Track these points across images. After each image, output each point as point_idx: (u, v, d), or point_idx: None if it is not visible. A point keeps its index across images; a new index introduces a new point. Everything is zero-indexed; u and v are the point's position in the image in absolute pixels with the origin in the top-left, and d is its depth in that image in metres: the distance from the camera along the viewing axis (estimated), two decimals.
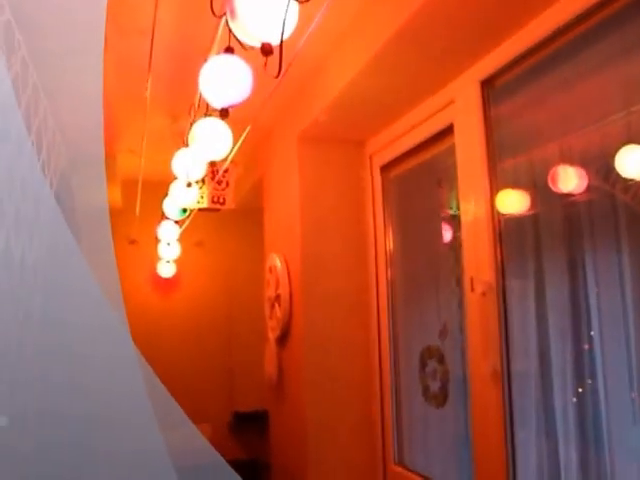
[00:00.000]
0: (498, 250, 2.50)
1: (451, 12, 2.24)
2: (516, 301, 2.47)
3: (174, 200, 3.97)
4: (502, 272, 2.48)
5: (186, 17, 2.74)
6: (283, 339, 3.84)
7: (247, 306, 5.72)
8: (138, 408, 1.50)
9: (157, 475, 1.52)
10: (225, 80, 2.03)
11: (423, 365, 3.16)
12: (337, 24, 2.78)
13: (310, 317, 3.51)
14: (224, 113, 2.05)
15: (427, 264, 3.36)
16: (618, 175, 2.08)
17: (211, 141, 2.63)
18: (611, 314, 2.15)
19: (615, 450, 2.09)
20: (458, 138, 2.76)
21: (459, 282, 2.83)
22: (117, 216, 5.20)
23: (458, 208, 2.77)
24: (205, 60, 2.10)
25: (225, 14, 1.69)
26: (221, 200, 4.19)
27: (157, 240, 5.35)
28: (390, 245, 3.54)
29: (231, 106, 2.05)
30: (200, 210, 4.30)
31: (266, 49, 1.61)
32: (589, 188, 2.25)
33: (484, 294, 2.50)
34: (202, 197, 4.10)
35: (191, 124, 2.73)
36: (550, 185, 2.37)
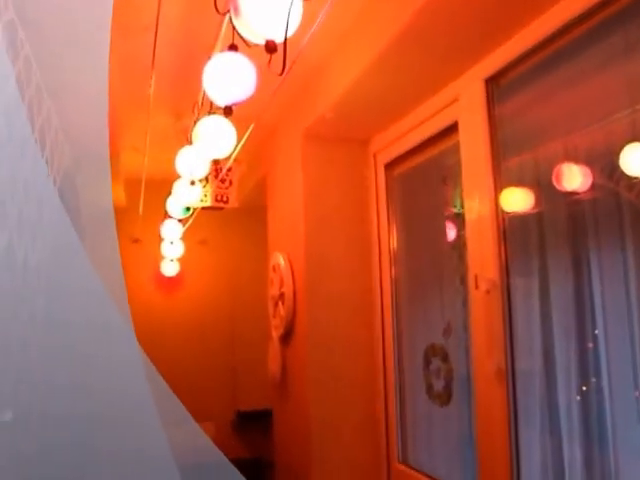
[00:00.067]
0: (502, 248, 2.49)
1: (455, 10, 2.23)
2: (520, 299, 2.47)
3: (177, 199, 3.97)
4: (506, 270, 2.48)
5: (190, 14, 2.74)
6: (287, 337, 3.84)
7: (251, 305, 5.72)
8: (142, 407, 1.50)
9: (160, 474, 1.52)
10: (229, 78, 2.03)
11: (427, 363, 3.16)
12: (341, 22, 2.78)
13: (314, 315, 3.51)
14: (228, 111, 2.05)
15: (431, 262, 3.35)
16: (623, 173, 2.08)
17: (215, 139, 2.63)
18: (616, 312, 2.14)
19: (619, 449, 2.08)
20: (462, 136, 2.76)
21: (463, 280, 2.83)
22: (120, 215, 5.19)
23: (462, 206, 2.77)
24: (209, 58, 2.10)
25: (229, 11, 1.69)
26: (224, 199, 4.19)
27: (160, 239, 5.35)
28: (394, 243, 3.53)
29: (235, 104, 2.05)
30: (203, 209, 4.30)
31: (270, 47, 1.61)
32: (593, 186, 2.24)
33: (488, 292, 2.49)
34: (205, 195, 4.10)
35: (195, 122, 2.73)
36: (554, 183, 2.36)
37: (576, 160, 2.30)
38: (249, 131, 2.99)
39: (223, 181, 4.15)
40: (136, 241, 5.78)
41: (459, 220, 2.91)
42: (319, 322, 3.50)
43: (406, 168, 3.46)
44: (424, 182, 3.42)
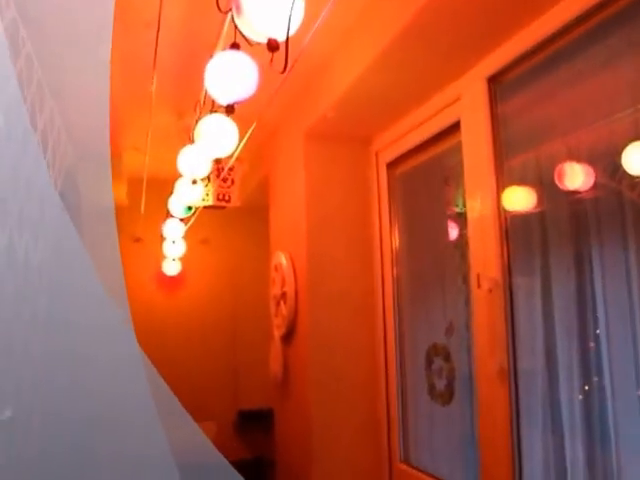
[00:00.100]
0: (505, 247, 2.49)
1: (458, 8, 2.23)
2: (523, 298, 2.46)
3: (179, 198, 3.96)
4: (509, 269, 2.47)
5: (191, 13, 2.74)
6: (289, 337, 3.83)
7: (252, 304, 5.71)
8: (142, 409, 1.49)
9: (160, 474, 1.52)
10: (231, 76, 2.03)
11: (429, 363, 3.15)
12: (343, 21, 2.77)
13: (316, 315, 3.51)
14: (230, 109, 2.05)
15: (433, 261, 3.35)
16: (625, 172, 2.08)
17: (217, 138, 2.62)
18: (618, 311, 2.14)
19: (622, 448, 2.08)
20: (465, 135, 2.75)
21: (465, 280, 2.83)
22: (122, 214, 5.24)
23: (464, 205, 2.76)
24: (211, 56, 2.10)
25: (231, 10, 1.69)
26: (226, 198, 4.18)
27: (162, 238, 5.35)
28: (396, 242, 3.53)
29: (237, 102, 2.04)
30: (205, 208, 4.30)
31: (272, 45, 1.61)
32: (596, 185, 2.24)
33: (491, 291, 2.49)
34: (207, 195, 4.10)
35: (196, 121, 2.72)
36: (557, 182, 2.36)
37: (578, 159, 2.29)
38: (251, 130, 2.99)
39: (225, 180, 4.14)
40: (138, 240, 5.78)
41: (461, 219, 2.91)
42: (321, 321, 3.50)
43: (408, 167, 3.46)
44: (426, 181, 3.42)
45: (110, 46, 1.59)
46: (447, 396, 3.00)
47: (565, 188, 2.34)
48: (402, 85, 2.91)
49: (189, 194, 3.76)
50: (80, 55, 1.69)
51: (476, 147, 2.65)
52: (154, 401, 1.48)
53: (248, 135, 3.00)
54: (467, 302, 2.80)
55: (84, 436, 1.44)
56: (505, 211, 2.52)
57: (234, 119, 2.58)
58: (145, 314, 5.47)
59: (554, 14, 2.19)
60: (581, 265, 2.29)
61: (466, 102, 2.75)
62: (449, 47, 2.53)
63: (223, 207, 4.26)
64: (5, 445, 1.21)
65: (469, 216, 2.70)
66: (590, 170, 2.25)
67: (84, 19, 1.58)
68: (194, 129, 2.74)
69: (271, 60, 1.64)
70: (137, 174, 4.49)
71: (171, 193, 4.12)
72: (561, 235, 2.40)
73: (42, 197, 1.39)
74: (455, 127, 2.84)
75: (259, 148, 4.50)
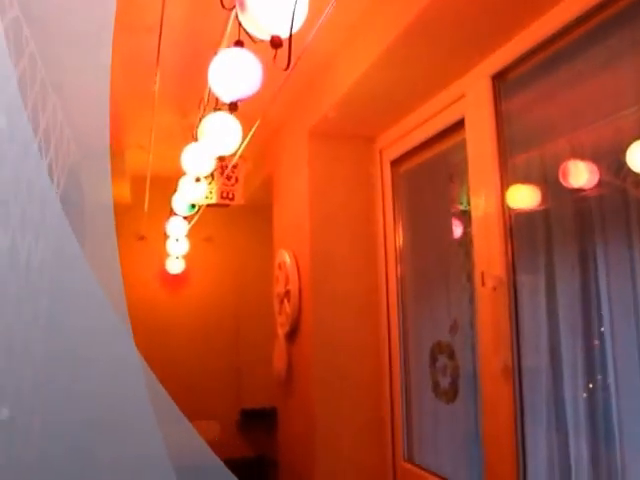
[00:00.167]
0: (509, 245, 2.48)
1: (462, 6, 2.22)
2: (527, 296, 2.46)
3: (183, 196, 3.97)
4: (513, 267, 2.47)
5: (195, 10, 2.74)
6: (292, 335, 3.83)
7: (256, 303, 5.70)
8: (139, 411, 1.50)
9: (157, 478, 1.52)
10: (235, 74, 2.02)
11: (433, 361, 3.15)
12: (347, 18, 2.77)
13: (319, 313, 3.50)
14: (233, 107, 2.04)
15: (437, 259, 3.34)
16: (630, 170, 2.07)
17: (220, 136, 2.62)
18: (622, 309, 2.13)
19: (626, 445, 2.07)
20: (469, 133, 2.75)
21: (470, 277, 2.82)
22: (126, 212, 5.26)
23: (469, 203, 2.76)
24: (215, 54, 2.09)
25: (235, 7, 1.69)
26: (230, 196, 4.19)
27: (166, 236, 5.35)
28: (400, 240, 3.53)
29: (240, 100, 2.04)
30: (209, 206, 4.30)
31: (275, 42, 1.60)
32: (600, 183, 2.23)
33: (495, 289, 2.48)
34: (211, 193, 4.10)
35: (200, 119, 2.72)
36: (561, 180, 2.35)
37: (583, 157, 2.29)
38: (254, 128, 2.98)
39: (229, 178, 4.15)
40: (142, 238, 5.78)
41: (465, 217, 2.90)
42: (325, 320, 3.50)
43: (412, 165, 3.45)
44: (430, 179, 3.42)
45: (110, 46, 1.59)
46: (451, 394, 2.99)
47: (569, 186, 2.33)
48: (406, 82, 2.90)
49: (192, 192, 3.75)
50: (80, 54, 1.69)
51: (480, 145, 2.65)
52: (151, 404, 1.48)
53: (252, 133, 3.00)
54: (471, 300, 2.80)
55: (82, 437, 1.44)
56: (509, 209, 2.52)
57: (238, 117, 2.58)
58: (149, 312, 5.47)
59: (558, 12, 2.18)
60: (585, 263, 2.28)
61: (470, 100, 2.74)
62: (453, 45, 2.52)
63: (227, 205, 4.26)
64: (4, 445, 1.21)
65: (473, 214, 2.70)
66: (594, 168, 2.25)
67: (85, 18, 1.58)
68: (198, 127, 2.74)
69: (274, 57, 1.64)
70: (141, 172, 4.49)
71: (175, 191, 4.12)
72: (565, 233, 2.39)
73: (43, 199, 1.39)
74: (459, 125, 2.84)
75: (263, 146, 4.50)
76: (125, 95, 3.51)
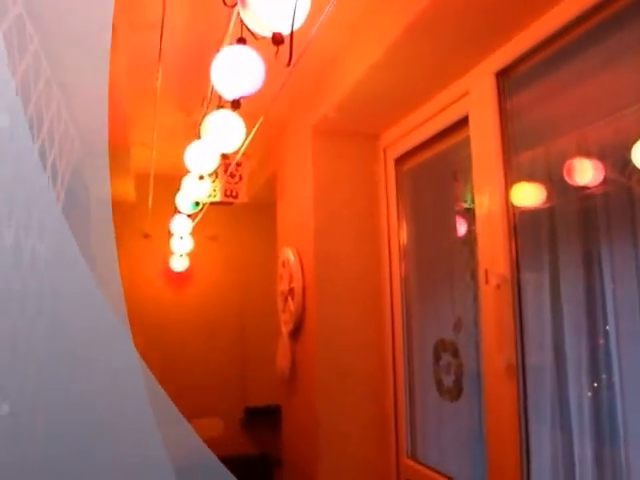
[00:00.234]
0: (513, 243, 2.48)
1: (466, 3, 2.22)
2: (531, 294, 2.45)
3: (187, 194, 3.97)
4: (517, 265, 2.46)
5: (197, 8, 2.73)
6: (296, 333, 3.83)
7: (260, 300, 5.71)
8: (138, 412, 1.49)
9: (157, 478, 1.52)
10: (237, 71, 2.02)
11: (437, 359, 3.15)
12: (350, 16, 2.76)
13: (323, 311, 3.50)
14: (236, 104, 2.04)
15: (441, 257, 3.34)
16: (635, 168, 2.06)
17: (224, 133, 2.62)
18: (627, 308, 2.13)
19: (631, 444, 2.07)
20: (473, 130, 2.74)
21: (474, 275, 2.82)
22: (131, 210, 5.27)
23: (473, 201, 2.75)
24: (217, 51, 2.09)
25: (236, 4, 1.68)
26: (234, 194, 4.18)
27: (170, 234, 5.36)
28: (404, 238, 3.52)
29: (243, 97, 2.04)
30: (213, 204, 4.30)
31: (277, 38, 1.60)
32: (605, 181, 2.23)
33: (499, 287, 2.48)
34: (215, 190, 4.10)
35: (203, 116, 2.72)
36: (566, 178, 2.35)
37: (588, 155, 2.28)
38: (257, 125, 2.98)
39: (233, 176, 4.14)
40: (147, 236, 5.79)
41: (469, 215, 2.90)
42: (328, 317, 3.50)
43: (416, 163, 3.44)
44: (434, 177, 3.41)
45: (110, 45, 1.59)
46: (455, 392, 2.99)
47: (574, 184, 2.32)
48: (410, 80, 2.90)
49: (196, 190, 3.76)
50: (80, 53, 1.69)
51: (484, 142, 2.64)
52: (150, 404, 1.48)
53: (255, 131, 3.00)
54: (475, 298, 2.79)
55: (81, 437, 1.44)
56: (514, 207, 2.51)
57: (241, 115, 2.57)
58: (153, 310, 5.49)
59: (563, 9, 2.17)
60: (590, 261, 2.28)
61: (474, 97, 2.73)
62: (457, 42, 2.51)
63: (231, 203, 4.26)
64: (6, 444, 1.21)
65: (477, 212, 2.69)
66: (599, 166, 2.24)
67: (84, 17, 1.58)
68: (201, 125, 2.74)
69: (276, 53, 1.64)
70: (145, 170, 4.49)
71: (178, 189, 4.13)
72: (570, 231, 2.38)
73: (44, 199, 1.39)
74: (463, 122, 2.83)
75: (267, 144, 4.49)
76: (128, 93, 3.51)
